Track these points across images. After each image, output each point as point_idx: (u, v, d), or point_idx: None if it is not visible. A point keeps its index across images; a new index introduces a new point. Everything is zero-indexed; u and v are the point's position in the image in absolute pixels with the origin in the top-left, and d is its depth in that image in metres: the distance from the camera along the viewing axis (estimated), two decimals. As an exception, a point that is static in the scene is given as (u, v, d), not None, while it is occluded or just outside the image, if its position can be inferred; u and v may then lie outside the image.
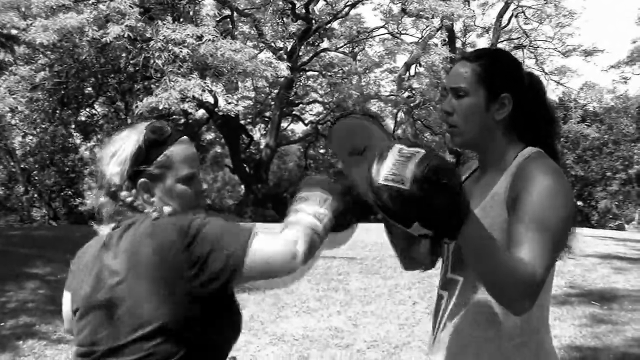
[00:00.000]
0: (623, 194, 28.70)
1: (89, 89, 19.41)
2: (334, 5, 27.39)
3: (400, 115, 30.84)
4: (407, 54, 28.58)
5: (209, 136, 34.36)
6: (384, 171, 1.38)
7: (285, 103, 28.42)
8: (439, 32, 26.47)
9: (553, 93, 29.85)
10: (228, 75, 16.40)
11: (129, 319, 1.62)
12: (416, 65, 28.61)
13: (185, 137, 1.88)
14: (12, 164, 24.40)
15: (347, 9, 27.34)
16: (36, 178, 24.32)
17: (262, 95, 30.23)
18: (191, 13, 17.28)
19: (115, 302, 1.64)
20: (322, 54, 30.27)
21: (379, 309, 7.29)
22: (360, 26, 29.64)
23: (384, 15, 28.28)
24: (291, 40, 27.23)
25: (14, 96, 15.02)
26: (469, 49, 28.42)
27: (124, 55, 16.52)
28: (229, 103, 17.29)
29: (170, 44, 14.42)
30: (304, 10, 26.18)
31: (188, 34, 14.45)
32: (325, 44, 30.17)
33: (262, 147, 30.35)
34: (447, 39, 26.21)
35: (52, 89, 16.90)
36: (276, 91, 27.88)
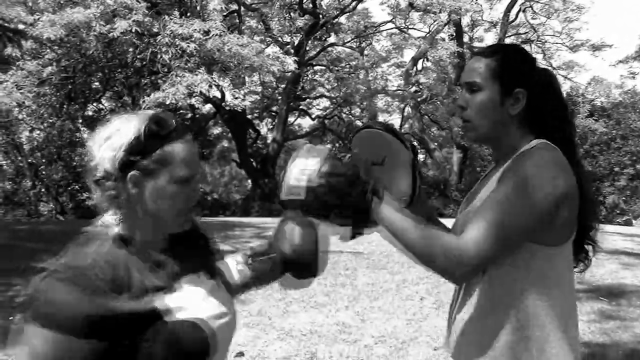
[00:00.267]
0: (631, 189, 28.59)
1: (96, 83, 19.42)
2: (341, 0, 27.33)
3: (408, 110, 30.85)
4: (414, 49, 28.58)
5: (216, 131, 34.37)
6: (288, 183, 1.71)
7: (292, 98, 28.42)
8: (447, 26, 26.41)
9: (561, 88, 29.79)
10: (235, 70, 16.37)
11: None
12: (423, 60, 28.61)
13: (190, 135, 1.72)
14: (19, 158, 24.48)
15: (354, 3, 27.27)
16: (43, 173, 24.36)
17: (269, 89, 30.22)
18: (198, 8, 17.24)
19: None
20: (329, 48, 30.26)
21: (386, 304, 7.28)
22: (368, 21, 29.65)
23: (391, 10, 28.25)
24: (298, 35, 27.19)
25: (21, 91, 15.07)
26: (476, 44, 28.47)
27: (131, 50, 16.54)
28: (236, 98, 17.34)
29: (177, 39, 14.42)
30: (311, 5, 26.15)
31: (195, 29, 14.45)
32: (332, 39, 30.15)
33: (269, 141, 30.37)
34: (454, 34, 26.16)
35: (60, 83, 16.91)
36: (283, 86, 27.87)
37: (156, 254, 1.70)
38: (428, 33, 27.99)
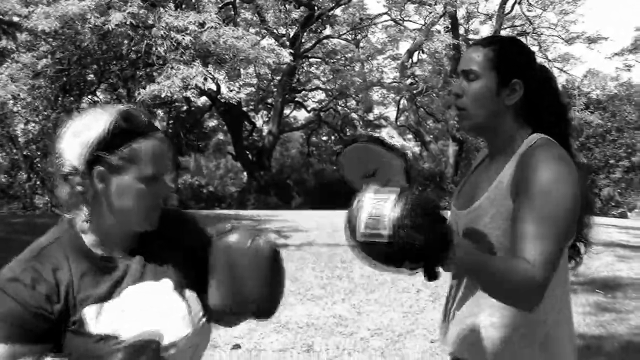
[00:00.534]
0: (626, 181, 28.61)
1: (91, 76, 19.33)
2: (336, -8, 27.33)
3: (403, 102, 30.85)
4: (409, 41, 28.57)
5: (212, 123, 34.35)
6: (361, 226, 1.48)
7: (288, 90, 28.41)
8: (442, 18, 26.34)
9: (557, 84, 29.88)
10: (230, 63, 16.33)
11: None
12: (419, 52, 28.60)
13: (160, 133, 1.68)
14: (14, 151, 24.38)
15: (350, -5, 27.28)
16: (39, 165, 24.25)
17: (265, 82, 30.21)
18: (193, 0, 17.20)
19: None
20: (325, 40, 30.27)
21: (382, 296, 7.29)
22: (363, 13, 29.61)
23: (386, 2, 28.24)
24: (294, 27, 27.19)
25: (16, 83, 15.01)
26: (471, 36, 28.43)
27: (126, 42, 16.47)
28: (232, 90, 17.27)
29: (172, 31, 14.37)
30: (306, -3, 26.14)
31: (190, 21, 14.40)
32: (327, 31, 30.15)
33: (264, 134, 30.36)
34: (450, 26, 26.10)
35: (54, 76, 16.84)
36: (278, 78, 27.88)
37: (109, 257, 1.67)
38: (423, 25, 27.94)
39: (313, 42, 29.71)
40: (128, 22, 14.05)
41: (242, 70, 23.15)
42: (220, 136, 35.87)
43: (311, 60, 31.19)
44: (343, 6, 28.55)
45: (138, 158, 1.60)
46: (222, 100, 20.28)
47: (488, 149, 2.07)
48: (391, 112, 34.13)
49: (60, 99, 18.53)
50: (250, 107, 32.24)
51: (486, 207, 1.86)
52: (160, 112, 26.57)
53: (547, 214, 1.68)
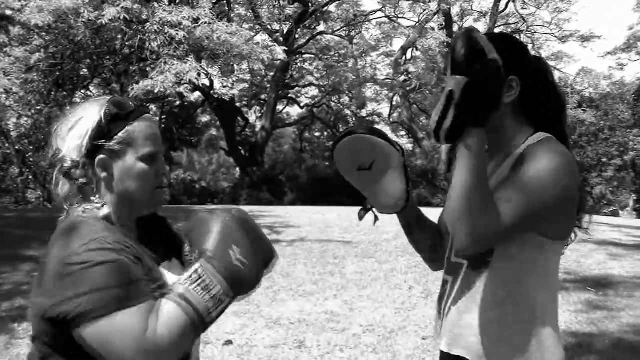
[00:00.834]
0: (618, 180, 28.73)
1: (84, 70, 19.31)
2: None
3: (397, 99, 30.88)
4: (403, 38, 28.60)
5: (205, 119, 34.38)
6: None
7: (281, 86, 28.42)
8: (436, 16, 26.39)
9: (554, 75, 30.06)
10: (224, 58, 16.31)
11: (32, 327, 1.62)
12: (413, 49, 28.62)
13: (148, 114, 1.74)
14: (6, 145, 24.34)
15: (344, -9, 27.28)
16: (31, 160, 24.25)
17: (258, 78, 30.18)
18: (187, -5, 17.17)
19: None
20: (319, 37, 30.27)
21: (374, 293, 7.29)
22: (357, 9, 29.59)
23: (381, -1, 28.23)
24: (287, 22, 27.13)
25: (8, 77, 14.97)
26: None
27: (119, 37, 16.43)
28: (225, 86, 17.24)
29: (166, 27, 14.33)
30: (300, -7, 26.13)
31: (184, 17, 14.37)
32: (321, 27, 30.14)
33: (257, 129, 30.39)
34: (443, 23, 26.14)
35: (47, 70, 16.80)
36: (272, 74, 27.86)
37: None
38: (417, 22, 27.98)
39: (307, 38, 29.71)
40: (122, 17, 14.01)
41: (235, 66, 23.13)
42: (213, 131, 35.89)
43: (305, 56, 31.20)
44: (337, 2, 28.55)
45: (135, 139, 1.65)
46: (216, 96, 20.25)
47: (488, 148, 2.07)
48: (384, 109, 34.17)
49: (53, 93, 18.51)
50: (244, 102, 32.24)
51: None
52: (153, 107, 26.55)
53: (531, 193, 1.69)
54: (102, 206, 1.64)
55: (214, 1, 21.24)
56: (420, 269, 8.17)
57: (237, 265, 1.56)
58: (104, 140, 1.62)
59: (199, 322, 1.51)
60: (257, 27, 27.22)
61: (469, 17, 30.37)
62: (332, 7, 28.97)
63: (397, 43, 32.42)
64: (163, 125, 27.09)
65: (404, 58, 28.55)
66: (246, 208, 14.05)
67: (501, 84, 1.63)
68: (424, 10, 26.75)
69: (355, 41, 31.42)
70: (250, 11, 27.14)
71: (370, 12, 30.00)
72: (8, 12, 14.87)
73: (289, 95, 32.62)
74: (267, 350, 5.47)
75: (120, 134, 1.63)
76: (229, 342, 5.56)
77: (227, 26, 15.56)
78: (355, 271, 8.31)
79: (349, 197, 23.32)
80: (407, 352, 5.43)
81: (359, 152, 1.95)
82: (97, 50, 16.76)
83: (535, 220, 1.73)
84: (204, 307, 1.51)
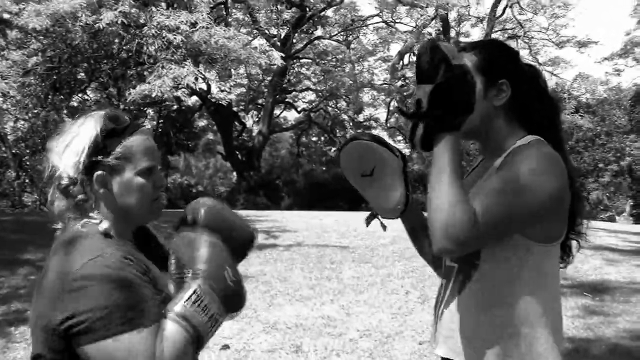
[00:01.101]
0: (614, 185, 28.75)
1: (82, 74, 19.26)
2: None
3: (393, 104, 30.85)
4: (401, 43, 28.61)
5: (202, 123, 34.33)
6: None
7: (279, 90, 28.43)
8: (433, 21, 26.45)
9: (546, 82, 30.11)
10: (221, 63, 16.30)
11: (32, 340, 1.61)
12: (410, 55, 28.62)
13: (144, 127, 1.74)
14: (3, 149, 24.29)
15: (341, -4, 27.29)
16: (28, 163, 24.20)
17: (255, 82, 30.20)
18: (185, 0, 17.17)
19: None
20: (316, 41, 30.27)
21: (371, 298, 7.29)
22: (355, 14, 29.62)
23: (378, 4, 28.30)
24: (285, 27, 27.17)
25: (5, 81, 14.94)
26: (462, 39, 28.49)
27: (117, 41, 16.41)
28: (222, 90, 17.25)
29: (163, 31, 14.32)
30: (298, -2, 26.14)
31: (182, 21, 14.36)
32: (319, 32, 30.16)
33: (254, 134, 30.38)
34: (441, 29, 26.20)
35: (45, 74, 16.77)
36: (269, 78, 27.87)
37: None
38: (415, 27, 28.03)
39: (304, 42, 29.73)
40: (119, 21, 13.99)
41: (232, 71, 23.14)
42: (210, 136, 35.85)
43: (302, 61, 31.21)
44: (335, 7, 28.57)
45: (133, 154, 1.65)
46: (213, 100, 20.28)
47: (481, 152, 2.09)
48: (381, 114, 34.26)
49: (50, 97, 18.49)
50: (241, 107, 32.24)
51: (473, 197, 1.88)
52: (150, 111, 26.56)
53: (509, 192, 1.70)
54: (101, 221, 1.64)
55: (211, 5, 21.26)
56: (417, 274, 8.18)
57: (231, 285, 1.60)
58: (101, 156, 1.62)
59: (199, 342, 1.54)
60: (255, 31, 27.24)
61: (466, 23, 30.44)
62: (329, 12, 29.02)
63: (395, 48, 32.52)
64: (160, 130, 27.07)
65: (401, 63, 28.55)
66: (243, 212, 14.05)
67: (469, 88, 1.67)
68: (422, 15, 26.77)
69: (352, 46, 31.44)
70: (248, 16, 27.16)
71: (368, 17, 30.05)
72: (5, 16, 14.86)
73: (286, 100, 32.62)
74: (264, 354, 5.47)
75: (117, 149, 1.64)
76: (226, 347, 5.56)
77: (224, 30, 15.55)
78: (352, 276, 8.31)
79: (345, 202, 23.35)
80: (403, 357, 5.43)
81: (360, 158, 1.98)
82: (94, 54, 16.75)
83: (517, 222, 1.75)
84: (205, 327, 1.54)
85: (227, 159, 30.04)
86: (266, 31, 27.87)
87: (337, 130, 33.12)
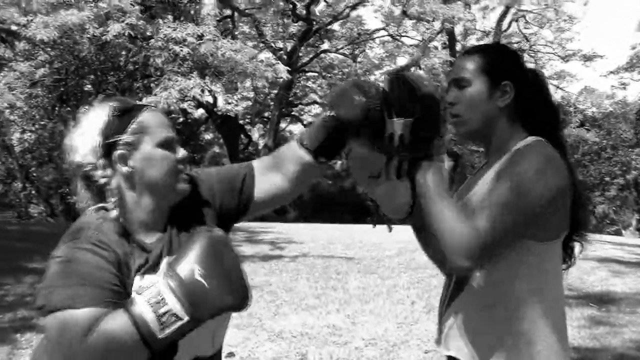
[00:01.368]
0: (621, 199, 28.73)
1: (89, 86, 19.32)
2: (334, 7, 27.37)
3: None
4: (407, 57, 28.61)
5: (208, 136, 34.39)
6: None
7: (285, 104, 28.43)
8: (440, 35, 26.45)
9: (548, 86, 30.17)
10: (228, 75, 16.34)
11: None
12: (416, 68, 28.64)
13: (153, 106, 1.75)
14: (10, 160, 24.38)
15: (347, 10, 27.30)
16: (34, 175, 24.31)
17: (262, 95, 30.23)
18: (192, 12, 17.24)
19: None
20: (322, 55, 30.30)
21: (377, 307, 7.29)
22: (361, 28, 29.64)
23: (384, 18, 28.29)
24: (291, 40, 27.23)
25: (13, 92, 15.00)
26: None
27: (124, 53, 16.48)
28: (229, 103, 17.29)
29: (170, 43, 14.39)
30: (304, 11, 26.18)
31: (189, 33, 14.42)
32: (325, 45, 30.19)
33: (260, 147, 30.37)
34: (447, 42, 26.23)
35: (52, 85, 16.84)
36: (275, 91, 27.91)
37: (143, 240, 1.68)
38: (421, 41, 28.02)
39: (310, 56, 29.77)
40: (126, 33, 14.06)
41: (239, 84, 23.22)
42: (216, 149, 35.86)
43: (308, 74, 31.24)
44: (341, 21, 28.63)
45: (149, 127, 1.66)
46: (219, 113, 20.30)
47: (484, 153, 2.10)
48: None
49: (57, 108, 18.55)
50: (247, 120, 32.28)
51: (475, 197, 1.90)
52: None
53: (513, 196, 1.72)
54: (114, 207, 1.64)
55: (218, 19, 21.36)
56: (423, 285, 8.18)
57: (197, 285, 1.48)
58: (117, 135, 1.62)
59: (148, 336, 1.46)
60: (261, 44, 27.30)
61: (472, 36, 30.46)
62: (335, 26, 29.05)
63: (401, 62, 32.50)
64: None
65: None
66: (249, 224, 14.08)
67: (440, 116, 1.74)
68: (428, 29, 26.79)
69: (359, 59, 31.47)
70: (254, 29, 27.22)
71: (374, 31, 30.06)
72: (14, 28, 14.94)
73: (292, 113, 32.65)
74: (269, 362, 5.47)
75: (132, 125, 1.64)
76: (231, 355, 5.56)
77: (231, 43, 15.62)
78: (357, 286, 8.31)
79: (350, 214, 23.33)
80: (409, 366, 5.43)
81: (367, 160, 1.99)
82: (101, 66, 16.82)
83: (523, 225, 1.76)
84: (155, 323, 1.46)
85: (233, 171, 30.04)
86: (272, 44, 27.91)
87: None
